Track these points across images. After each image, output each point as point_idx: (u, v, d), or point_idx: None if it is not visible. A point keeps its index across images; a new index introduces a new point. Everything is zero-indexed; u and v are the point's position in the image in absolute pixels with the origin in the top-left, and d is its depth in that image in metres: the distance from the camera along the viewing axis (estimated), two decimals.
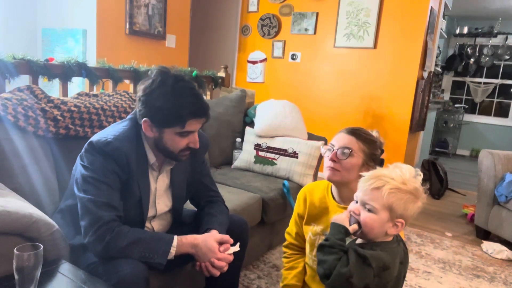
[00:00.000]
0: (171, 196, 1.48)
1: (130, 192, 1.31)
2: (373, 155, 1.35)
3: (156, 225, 1.46)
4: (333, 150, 1.33)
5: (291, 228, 1.57)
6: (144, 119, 1.27)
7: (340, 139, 1.35)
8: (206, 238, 1.30)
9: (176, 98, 1.23)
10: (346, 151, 1.30)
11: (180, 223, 1.55)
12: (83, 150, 1.28)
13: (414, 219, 3.30)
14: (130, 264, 1.15)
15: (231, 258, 1.32)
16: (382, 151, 1.39)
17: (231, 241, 1.36)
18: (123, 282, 1.10)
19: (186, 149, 1.32)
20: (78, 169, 1.28)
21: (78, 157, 1.31)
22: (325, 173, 1.37)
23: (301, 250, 1.56)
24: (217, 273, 1.29)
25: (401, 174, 1.05)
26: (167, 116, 1.24)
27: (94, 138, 1.27)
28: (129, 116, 1.38)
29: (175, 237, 1.26)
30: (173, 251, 1.23)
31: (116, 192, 1.25)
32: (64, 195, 1.42)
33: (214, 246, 1.29)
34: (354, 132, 1.34)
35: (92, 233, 1.17)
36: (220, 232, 1.39)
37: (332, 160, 1.32)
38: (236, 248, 1.35)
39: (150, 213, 1.40)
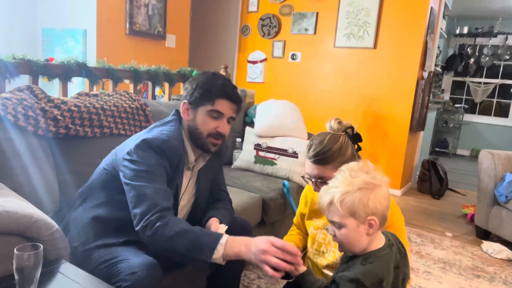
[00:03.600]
0: (196, 193, 1.51)
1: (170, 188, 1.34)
2: (345, 162, 1.23)
3: None
4: (312, 181, 1.33)
5: (297, 214, 1.60)
6: (183, 101, 1.37)
7: (310, 170, 1.31)
8: (256, 238, 1.15)
9: (211, 78, 1.35)
10: (320, 181, 1.29)
11: (196, 222, 1.53)
12: (132, 147, 1.27)
13: (414, 220, 3.33)
14: (145, 265, 1.13)
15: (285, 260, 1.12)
16: (353, 129, 1.34)
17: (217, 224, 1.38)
18: (137, 283, 1.09)
19: (215, 135, 1.35)
20: (123, 164, 1.27)
21: (125, 154, 1.28)
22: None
23: (302, 231, 1.58)
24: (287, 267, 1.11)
25: (343, 177, 1.01)
26: (200, 93, 1.33)
27: (147, 136, 1.29)
28: (171, 117, 1.42)
29: (226, 236, 1.17)
30: (220, 249, 1.13)
31: (167, 188, 1.27)
32: (92, 187, 1.40)
33: (265, 243, 1.12)
34: (318, 160, 1.27)
35: (147, 219, 1.16)
36: (221, 222, 1.41)
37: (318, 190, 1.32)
38: (224, 227, 1.37)
39: None
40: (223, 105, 1.34)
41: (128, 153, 1.28)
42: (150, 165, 1.24)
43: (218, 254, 1.12)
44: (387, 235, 1.09)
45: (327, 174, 1.28)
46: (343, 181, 1.00)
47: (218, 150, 1.52)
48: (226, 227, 1.38)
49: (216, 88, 1.32)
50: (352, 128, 1.35)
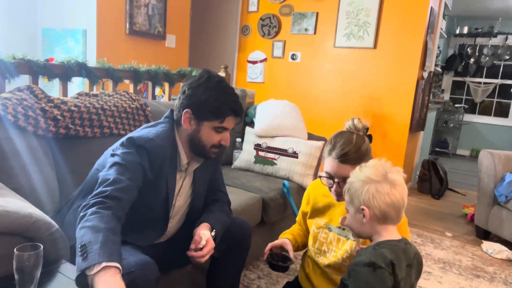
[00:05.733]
0: (192, 194, 1.50)
1: (157, 191, 1.32)
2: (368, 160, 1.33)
3: (170, 226, 1.46)
4: (333, 182, 1.31)
5: (299, 213, 1.61)
6: (185, 110, 1.32)
7: (336, 169, 1.30)
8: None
9: (221, 94, 1.32)
10: (343, 182, 1.27)
11: (191, 225, 1.50)
12: (118, 143, 1.31)
13: (414, 220, 3.33)
14: (141, 264, 1.12)
15: None
16: (367, 129, 1.39)
17: (196, 244, 1.32)
18: (133, 282, 1.08)
19: (217, 146, 1.37)
20: (107, 159, 1.29)
21: (109, 149, 1.34)
22: (333, 196, 1.37)
23: (303, 229, 1.59)
24: None
25: (355, 170, 1.13)
26: (210, 109, 1.31)
27: (134, 134, 1.30)
28: (163, 119, 1.41)
29: (115, 264, 1.00)
30: (97, 268, 0.97)
31: (133, 187, 1.23)
32: (84, 189, 1.40)
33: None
34: (346, 159, 1.27)
35: (88, 201, 1.13)
36: (214, 227, 1.40)
37: (337, 190, 1.32)
38: (207, 234, 1.34)
39: None
40: (230, 122, 1.35)
41: (113, 149, 1.32)
42: (126, 160, 1.24)
43: (91, 271, 0.97)
44: (405, 241, 1.10)
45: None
46: (353, 173, 1.13)
47: None
48: (212, 233, 1.35)
49: (227, 107, 1.32)
50: (367, 128, 1.39)
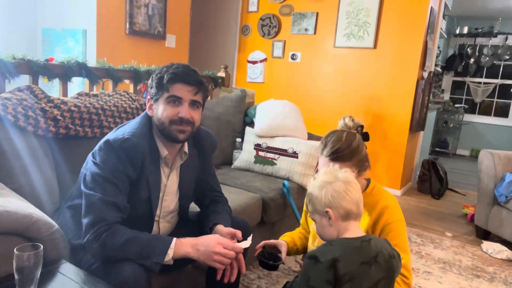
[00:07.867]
0: (179, 194, 1.48)
1: (139, 189, 1.31)
2: (361, 160, 1.34)
3: (162, 226, 1.45)
4: None
5: (303, 214, 1.62)
6: (147, 99, 1.35)
7: (327, 167, 1.31)
8: (205, 237, 1.28)
9: (164, 68, 1.32)
10: None
11: (185, 223, 1.54)
12: (97, 147, 1.28)
13: (414, 220, 3.33)
14: (132, 264, 1.14)
15: (233, 253, 1.26)
16: (362, 127, 1.41)
17: (240, 234, 1.36)
18: (124, 283, 1.09)
19: (177, 121, 1.29)
20: (88, 166, 1.27)
21: (90, 155, 1.30)
22: None
23: (307, 231, 1.59)
24: (232, 275, 1.30)
25: (311, 182, 1.17)
26: (155, 84, 1.31)
27: (111, 136, 1.27)
28: (142, 114, 1.40)
29: (174, 238, 1.23)
30: (170, 252, 1.19)
31: (123, 195, 1.25)
32: (76, 190, 1.40)
33: (214, 242, 1.25)
34: (337, 157, 1.30)
35: (93, 232, 1.16)
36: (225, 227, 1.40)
37: None
38: (248, 242, 1.35)
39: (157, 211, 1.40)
40: (178, 89, 1.29)
41: (92, 154, 1.29)
42: (109, 170, 1.22)
43: (169, 257, 1.19)
44: (364, 238, 1.10)
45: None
46: (309, 184, 1.18)
47: (200, 148, 1.50)
48: (250, 242, 1.37)
49: (168, 74, 1.28)
50: (362, 126, 1.40)
